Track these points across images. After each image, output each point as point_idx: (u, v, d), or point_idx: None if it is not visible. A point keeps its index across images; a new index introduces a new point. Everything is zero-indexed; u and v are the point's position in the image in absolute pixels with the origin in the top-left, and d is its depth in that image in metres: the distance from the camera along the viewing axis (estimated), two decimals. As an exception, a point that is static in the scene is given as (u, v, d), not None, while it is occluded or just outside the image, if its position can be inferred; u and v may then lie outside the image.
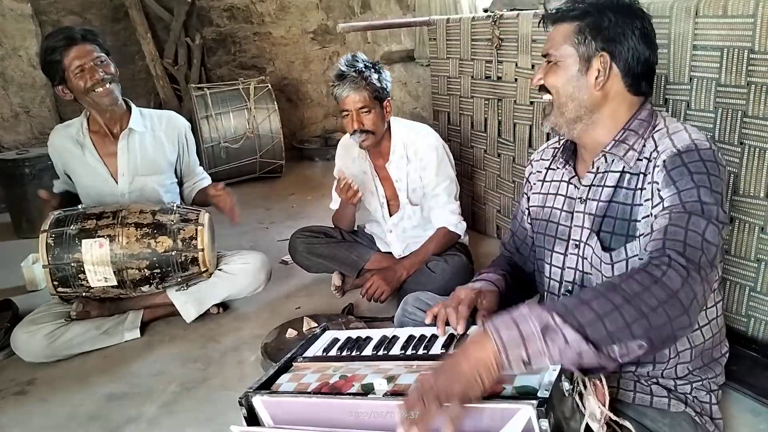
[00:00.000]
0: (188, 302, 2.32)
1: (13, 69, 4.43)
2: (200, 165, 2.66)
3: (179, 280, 2.25)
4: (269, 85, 4.56)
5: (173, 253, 2.17)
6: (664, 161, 1.15)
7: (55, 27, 4.36)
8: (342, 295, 2.56)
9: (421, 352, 1.24)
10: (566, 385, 0.96)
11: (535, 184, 1.49)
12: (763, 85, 1.62)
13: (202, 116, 4.30)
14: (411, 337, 1.31)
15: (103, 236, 2.11)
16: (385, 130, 2.36)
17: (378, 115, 2.27)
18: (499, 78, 2.70)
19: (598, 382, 1.01)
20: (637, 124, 1.25)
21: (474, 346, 0.96)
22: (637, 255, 1.21)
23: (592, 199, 1.29)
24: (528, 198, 1.50)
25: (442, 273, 2.26)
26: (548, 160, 1.47)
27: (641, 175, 1.21)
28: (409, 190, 2.42)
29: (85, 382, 2.04)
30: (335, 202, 2.54)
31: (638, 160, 1.22)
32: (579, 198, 1.32)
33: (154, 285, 2.21)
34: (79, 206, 2.28)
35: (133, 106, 2.40)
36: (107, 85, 2.22)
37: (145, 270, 2.15)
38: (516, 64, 2.58)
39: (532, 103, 2.56)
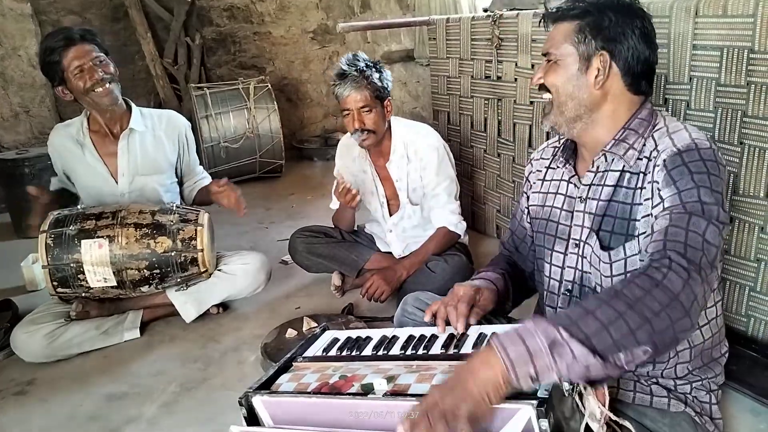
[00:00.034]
0: (188, 302, 2.32)
1: (13, 69, 4.43)
2: (200, 164, 2.66)
3: (179, 280, 2.25)
4: (269, 85, 4.56)
5: (173, 254, 2.17)
6: (665, 160, 1.15)
7: (55, 27, 4.37)
8: (342, 295, 2.56)
9: (421, 352, 1.24)
10: (566, 385, 0.96)
11: (534, 183, 1.48)
12: (763, 85, 1.62)
13: (202, 116, 4.30)
14: (411, 337, 1.31)
15: (102, 237, 2.11)
16: (386, 129, 2.36)
17: (379, 115, 2.27)
18: (498, 78, 2.70)
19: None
20: (638, 123, 1.25)
21: (481, 364, 0.94)
22: (635, 254, 1.21)
23: (592, 198, 1.29)
24: (528, 197, 1.50)
25: (442, 273, 2.26)
26: (548, 159, 1.47)
27: (641, 174, 1.21)
28: (409, 190, 2.42)
29: (85, 382, 2.04)
30: (335, 203, 2.54)
31: (638, 159, 1.22)
32: (579, 197, 1.32)
33: (154, 285, 2.21)
34: (79, 206, 2.28)
35: (133, 105, 2.40)
36: (107, 85, 2.22)
37: (145, 270, 2.15)
38: (516, 64, 2.58)
39: (532, 102, 2.56)
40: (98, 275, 2.12)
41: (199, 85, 4.63)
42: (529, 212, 1.49)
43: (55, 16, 4.67)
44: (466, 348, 1.21)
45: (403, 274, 2.33)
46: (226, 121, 4.37)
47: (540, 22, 1.39)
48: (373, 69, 2.24)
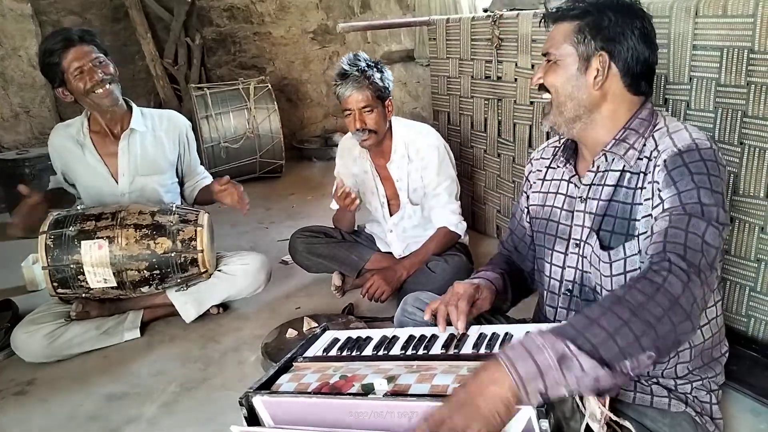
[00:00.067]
0: (188, 303, 2.32)
1: (13, 69, 4.43)
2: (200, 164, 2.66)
3: (179, 281, 2.25)
4: (269, 85, 4.56)
5: (173, 255, 2.17)
6: (665, 161, 1.15)
7: (55, 27, 4.37)
8: (342, 295, 2.56)
9: (421, 352, 1.24)
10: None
11: (535, 182, 1.49)
12: (763, 85, 1.62)
13: (202, 116, 4.30)
14: (411, 337, 1.31)
15: (102, 237, 2.11)
16: (387, 129, 2.36)
17: (380, 115, 2.27)
18: (499, 78, 2.70)
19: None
20: (638, 123, 1.25)
21: (489, 382, 0.92)
22: (635, 254, 1.21)
23: (593, 198, 1.29)
24: (528, 196, 1.50)
25: (442, 273, 2.26)
26: (548, 159, 1.47)
27: (641, 174, 1.21)
28: (409, 190, 2.42)
29: (85, 382, 2.04)
30: (335, 203, 2.54)
31: (638, 159, 1.22)
32: (579, 197, 1.32)
33: (154, 286, 2.21)
34: (78, 207, 2.28)
35: (134, 105, 2.40)
36: (107, 86, 2.21)
37: (145, 271, 2.15)
38: (516, 64, 2.58)
39: (532, 103, 2.56)
40: (98, 276, 2.12)
41: (199, 85, 4.63)
42: (529, 212, 1.49)
43: (55, 16, 4.67)
44: (467, 348, 1.21)
45: (404, 274, 2.33)
46: (226, 121, 4.37)
47: (540, 22, 1.39)
48: (375, 69, 2.24)
